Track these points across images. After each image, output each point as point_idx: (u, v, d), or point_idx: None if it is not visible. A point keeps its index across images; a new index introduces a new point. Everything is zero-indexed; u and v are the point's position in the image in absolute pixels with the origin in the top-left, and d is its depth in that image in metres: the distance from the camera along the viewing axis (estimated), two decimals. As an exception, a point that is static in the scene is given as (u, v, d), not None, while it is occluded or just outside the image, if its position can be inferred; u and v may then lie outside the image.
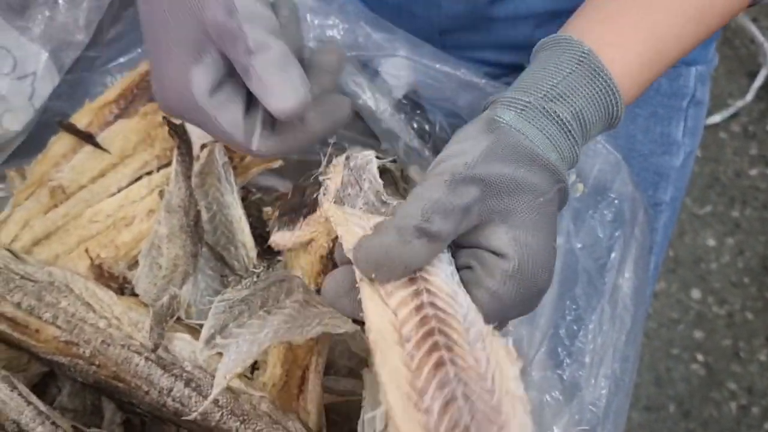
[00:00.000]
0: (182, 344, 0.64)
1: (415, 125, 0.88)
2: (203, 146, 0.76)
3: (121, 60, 0.92)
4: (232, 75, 0.52)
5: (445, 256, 0.49)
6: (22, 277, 0.65)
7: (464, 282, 0.48)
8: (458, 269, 0.49)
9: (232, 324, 0.62)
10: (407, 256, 0.45)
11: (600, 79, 0.53)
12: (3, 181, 0.79)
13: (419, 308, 0.45)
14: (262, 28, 0.48)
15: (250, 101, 0.54)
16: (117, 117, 0.83)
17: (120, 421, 0.69)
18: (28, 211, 0.75)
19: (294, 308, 0.64)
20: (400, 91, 0.89)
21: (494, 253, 0.48)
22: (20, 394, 0.59)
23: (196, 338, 0.64)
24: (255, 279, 0.66)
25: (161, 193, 0.76)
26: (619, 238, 0.74)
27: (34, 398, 0.59)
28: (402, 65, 0.86)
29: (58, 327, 0.63)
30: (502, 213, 0.48)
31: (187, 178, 0.73)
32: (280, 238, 0.73)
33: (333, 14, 0.83)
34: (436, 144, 0.86)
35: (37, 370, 0.69)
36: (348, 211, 0.54)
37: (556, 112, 0.51)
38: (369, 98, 0.87)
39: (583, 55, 0.53)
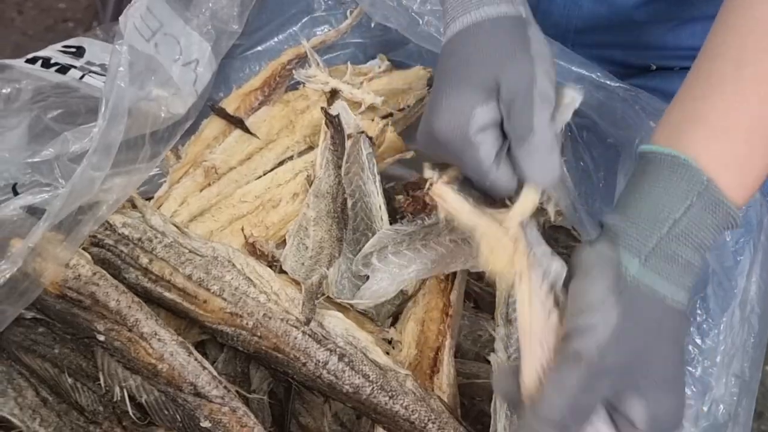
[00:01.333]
0: (335, 321, 0.68)
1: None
2: (349, 136, 0.80)
3: (259, 48, 0.96)
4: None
5: None
6: (191, 251, 0.70)
7: None
8: None
9: (390, 249, 0.69)
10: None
11: (721, 210, 0.53)
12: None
13: None
14: (548, 112, 0.53)
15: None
16: (261, 103, 0.88)
17: (267, 389, 0.74)
18: (185, 188, 0.80)
19: (448, 247, 0.71)
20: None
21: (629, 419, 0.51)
22: (196, 359, 0.64)
23: (347, 316, 0.70)
24: (426, 218, 0.73)
25: (308, 178, 0.81)
26: (747, 243, 0.76)
27: (207, 364, 0.65)
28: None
29: (224, 299, 0.68)
30: (636, 386, 0.50)
31: (338, 167, 0.77)
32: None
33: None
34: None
35: (191, 340, 0.75)
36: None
37: (682, 256, 0.52)
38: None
39: (702, 186, 0.53)
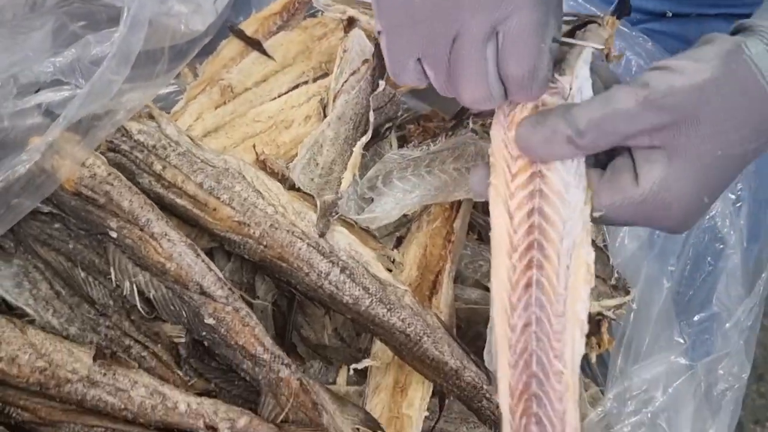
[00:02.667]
0: (339, 236, 0.71)
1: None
2: (365, 61, 0.81)
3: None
4: None
5: None
6: (203, 161, 0.73)
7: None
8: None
9: (396, 174, 0.70)
10: (546, 153, 0.48)
11: None
12: (175, 77, 0.87)
13: (530, 213, 0.50)
14: None
15: None
16: (279, 28, 0.90)
17: (271, 300, 0.77)
18: (200, 105, 0.82)
19: (452, 175, 0.72)
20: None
21: (632, 168, 0.48)
22: (203, 261, 0.67)
23: (351, 232, 0.72)
24: (431, 144, 0.74)
25: (321, 101, 0.83)
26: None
27: (214, 266, 0.67)
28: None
29: (233, 208, 0.71)
30: (677, 150, 0.46)
31: (368, 96, 0.79)
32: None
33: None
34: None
35: (201, 248, 0.77)
36: None
37: None
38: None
39: None
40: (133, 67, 0.69)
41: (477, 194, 0.53)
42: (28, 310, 0.68)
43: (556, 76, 0.51)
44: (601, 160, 0.51)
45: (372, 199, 0.78)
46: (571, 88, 0.50)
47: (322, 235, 0.70)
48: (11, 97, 0.63)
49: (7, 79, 0.64)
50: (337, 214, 0.72)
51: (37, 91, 0.65)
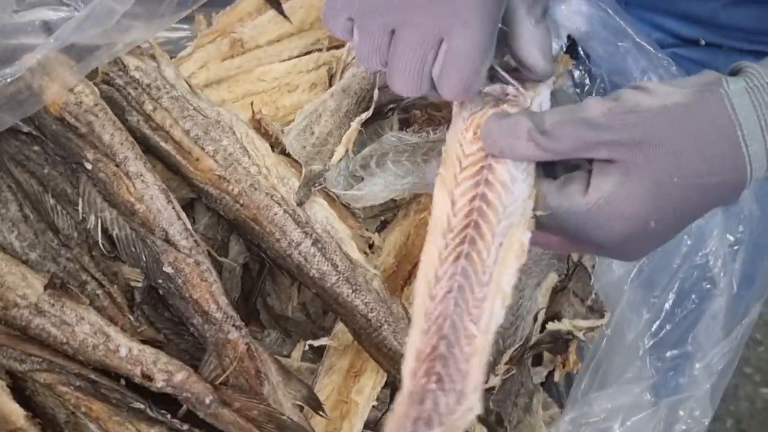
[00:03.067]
0: (318, 207, 0.69)
1: (576, 74, 0.89)
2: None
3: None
4: None
5: None
6: (195, 109, 0.71)
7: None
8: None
9: (391, 156, 0.69)
10: (506, 145, 0.47)
11: None
12: (188, 22, 0.85)
13: (472, 199, 0.49)
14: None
15: None
16: (304, -9, 0.88)
17: (242, 261, 0.75)
18: (208, 54, 0.81)
19: None
20: (568, 32, 0.89)
21: (586, 180, 0.47)
22: (173, 208, 0.65)
23: (331, 206, 0.70)
24: (432, 132, 0.73)
25: (329, 71, 0.81)
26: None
27: (183, 216, 0.66)
28: (578, 8, 0.87)
29: (216, 161, 0.69)
30: (633, 168, 0.45)
31: (376, 73, 0.76)
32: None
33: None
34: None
35: (180, 196, 0.75)
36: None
37: None
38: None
39: None
40: (138, 1, 0.67)
41: (430, 185, 0.52)
42: (-7, 229, 0.67)
43: (520, 88, 0.52)
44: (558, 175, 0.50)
45: (362, 178, 0.76)
46: (531, 103, 0.51)
47: (300, 203, 0.68)
48: (9, 10, 0.62)
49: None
50: (321, 185, 0.70)
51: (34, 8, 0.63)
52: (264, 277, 0.76)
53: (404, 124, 0.84)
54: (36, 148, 0.67)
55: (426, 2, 0.47)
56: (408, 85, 0.51)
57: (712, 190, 0.45)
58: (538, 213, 0.48)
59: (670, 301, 0.70)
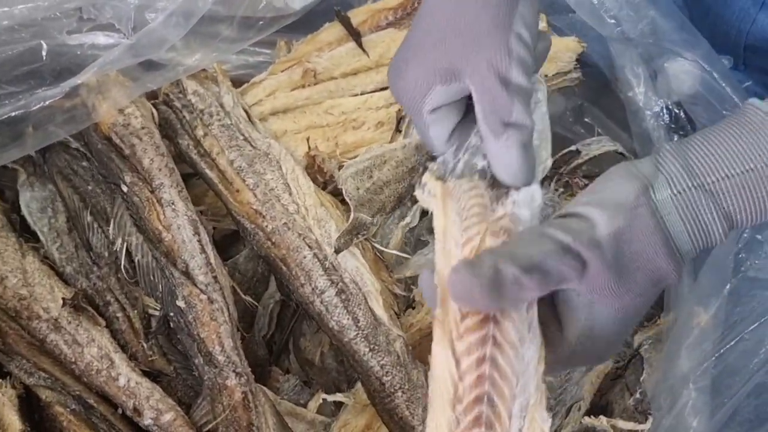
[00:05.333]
0: (350, 257, 0.65)
1: (676, 138, 0.81)
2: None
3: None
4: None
5: None
6: (245, 139, 0.70)
7: None
8: None
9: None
10: (488, 304, 0.41)
11: None
12: (270, 47, 0.84)
13: (480, 362, 0.42)
14: (525, 104, 0.46)
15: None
16: (389, 24, 0.84)
17: (277, 299, 0.73)
18: (278, 82, 0.79)
19: None
20: (678, 96, 0.81)
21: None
22: (200, 241, 0.64)
23: (365, 257, 0.66)
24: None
25: (398, 113, 0.77)
26: None
27: (209, 249, 0.64)
28: (689, 70, 0.79)
29: (255, 195, 0.67)
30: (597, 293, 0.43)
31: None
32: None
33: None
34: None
35: (227, 226, 0.74)
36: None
37: (720, 204, 0.44)
38: (641, 93, 0.81)
39: None
40: (203, 26, 0.67)
41: (427, 297, 0.47)
42: (40, 237, 0.69)
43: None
44: None
45: (427, 243, 0.73)
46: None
47: (338, 251, 0.65)
48: (64, 31, 0.63)
49: (74, 10, 0.64)
50: (364, 236, 0.67)
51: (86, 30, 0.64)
52: (298, 317, 0.73)
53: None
54: (85, 164, 0.69)
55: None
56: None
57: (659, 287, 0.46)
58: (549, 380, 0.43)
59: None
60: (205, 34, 0.70)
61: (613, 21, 0.80)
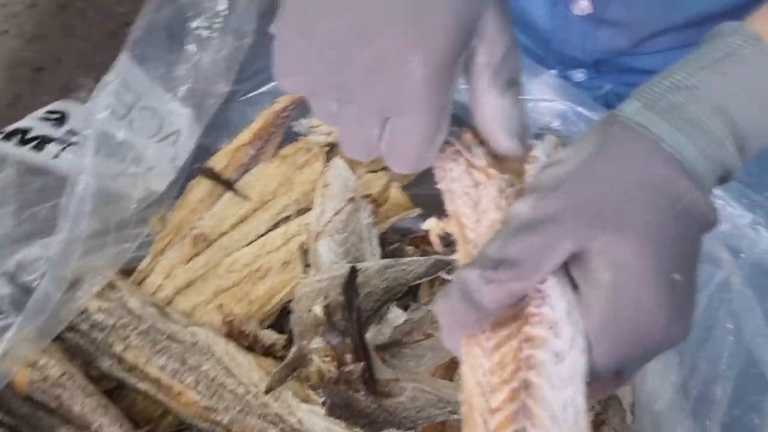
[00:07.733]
0: (315, 419, 0.64)
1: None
2: (351, 199, 0.75)
3: (263, 89, 0.91)
4: None
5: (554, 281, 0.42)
6: (168, 337, 0.68)
7: None
8: None
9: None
10: (474, 309, 0.40)
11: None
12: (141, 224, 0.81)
13: (515, 372, 0.41)
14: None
15: None
16: (253, 159, 0.83)
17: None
18: (170, 260, 0.77)
19: None
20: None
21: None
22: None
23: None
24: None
25: (301, 246, 0.76)
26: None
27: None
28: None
29: (199, 392, 0.65)
30: (602, 240, 0.39)
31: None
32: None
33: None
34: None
35: (172, 423, 0.71)
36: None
37: (701, 115, 0.42)
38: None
39: (748, 38, 0.43)
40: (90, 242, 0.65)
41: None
42: None
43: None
44: None
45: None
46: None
47: (267, 390, 0.63)
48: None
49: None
50: (301, 372, 0.65)
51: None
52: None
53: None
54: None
55: (366, 82, 0.42)
56: (358, 155, 0.47)
57: (679, 209, 0.40)
58: None
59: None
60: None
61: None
